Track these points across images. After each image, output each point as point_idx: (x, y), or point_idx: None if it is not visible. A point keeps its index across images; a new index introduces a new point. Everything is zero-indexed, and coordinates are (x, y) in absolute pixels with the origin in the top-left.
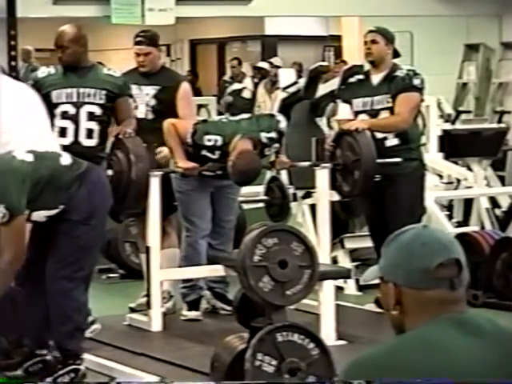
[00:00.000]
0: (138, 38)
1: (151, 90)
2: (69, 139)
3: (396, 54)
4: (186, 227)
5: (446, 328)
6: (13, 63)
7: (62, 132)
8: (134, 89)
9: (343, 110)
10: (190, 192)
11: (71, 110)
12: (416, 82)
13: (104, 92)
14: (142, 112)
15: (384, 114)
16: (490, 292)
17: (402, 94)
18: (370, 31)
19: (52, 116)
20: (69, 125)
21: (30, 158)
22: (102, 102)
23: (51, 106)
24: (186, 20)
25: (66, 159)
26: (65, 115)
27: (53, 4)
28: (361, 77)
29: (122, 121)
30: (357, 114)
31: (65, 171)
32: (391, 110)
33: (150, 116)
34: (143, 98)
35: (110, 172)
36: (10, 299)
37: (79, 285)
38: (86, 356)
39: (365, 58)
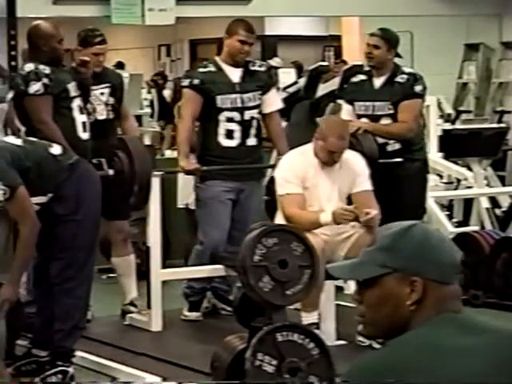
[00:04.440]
0: (100, 38)
1: (105, 89)
2: (87, 133)
3: (396, 55)
4: (199, 240)
5: (447, 328)
6: (13, 63)
7: (84, 126)
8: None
9: (347, 111)
10: (208, 200)
11: (81, 103)
12: (417, 88)
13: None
14: (102, 113)
15: (385, 121)
16: (490, 292)
17: (404, 102)
18: (374, 35)
19: (70, 110)
20: (86, 119)
21: (19, 142)
22: None
23: (70, 100)
24: (186, 20)
25: (55, 149)
26: (83, 110)
27: (53, 4)
28: (363, 77)
29: None
30: (359, 117)
31: (52, 160)
32: (392, 116)
33: (112, 115)
34: (99, 99)
35: (111, 171)
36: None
37: (82, 283)
38: (86, 356)
39: (366, 62)
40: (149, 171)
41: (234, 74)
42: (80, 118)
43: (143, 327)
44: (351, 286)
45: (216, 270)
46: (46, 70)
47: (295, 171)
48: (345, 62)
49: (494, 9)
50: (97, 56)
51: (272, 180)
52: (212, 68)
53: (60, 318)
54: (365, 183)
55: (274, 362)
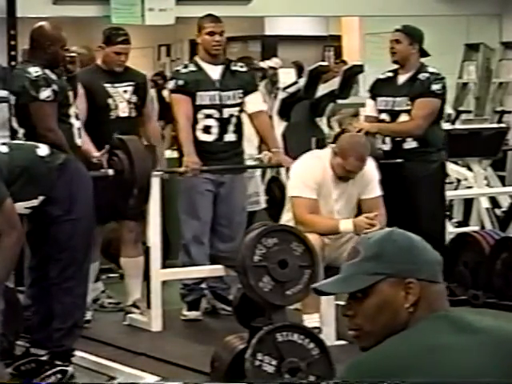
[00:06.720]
0: (123, 37)
1: (128, 87)
2: (81, 140)
3: (423, 53)
4: (181, 234)
5: (440, 326)
6: (13, 63)
7: (79, 133)
8: (108, 88)
9: (370, 107)
10: (187, 191)
11: (76, 109)
12: (435, 87)
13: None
14: (124, 111)
15: (403, 116)
16: (490, 292)
17: (419, 99)
18: (396, 30)
19: (68, 116)
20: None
21: (4, 149)
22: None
23: (68, 107)
24: (186, 20)
25: (43, 150)
26: (78, 116)
27: (53, 4)
28: (390, 74)
29: None
30: (379, 112)
31: (41, 162)
32: (410, 113)
33: (134, 113)
34: (122, 96)
35: (110, 172)
36: (9, 299)
37: (81, 282)
38: (86, 356)
39: (391, 58)
40: (149, 171)
41: (214, 72)
42: (76, 124)
43: (143, 327)
44: None
45: (216, 269)
46: (53, 75)
47: (314, 175)
48: (345, 62)
49: (494, 9)
50: (118, 55)
51: (272, 180)
52: (192, 68)
53: (60, 317)
54: (375, 189)
55: (274, 362)
